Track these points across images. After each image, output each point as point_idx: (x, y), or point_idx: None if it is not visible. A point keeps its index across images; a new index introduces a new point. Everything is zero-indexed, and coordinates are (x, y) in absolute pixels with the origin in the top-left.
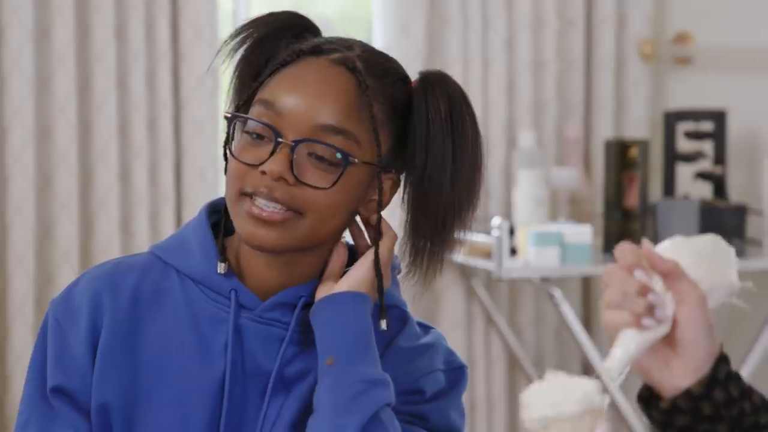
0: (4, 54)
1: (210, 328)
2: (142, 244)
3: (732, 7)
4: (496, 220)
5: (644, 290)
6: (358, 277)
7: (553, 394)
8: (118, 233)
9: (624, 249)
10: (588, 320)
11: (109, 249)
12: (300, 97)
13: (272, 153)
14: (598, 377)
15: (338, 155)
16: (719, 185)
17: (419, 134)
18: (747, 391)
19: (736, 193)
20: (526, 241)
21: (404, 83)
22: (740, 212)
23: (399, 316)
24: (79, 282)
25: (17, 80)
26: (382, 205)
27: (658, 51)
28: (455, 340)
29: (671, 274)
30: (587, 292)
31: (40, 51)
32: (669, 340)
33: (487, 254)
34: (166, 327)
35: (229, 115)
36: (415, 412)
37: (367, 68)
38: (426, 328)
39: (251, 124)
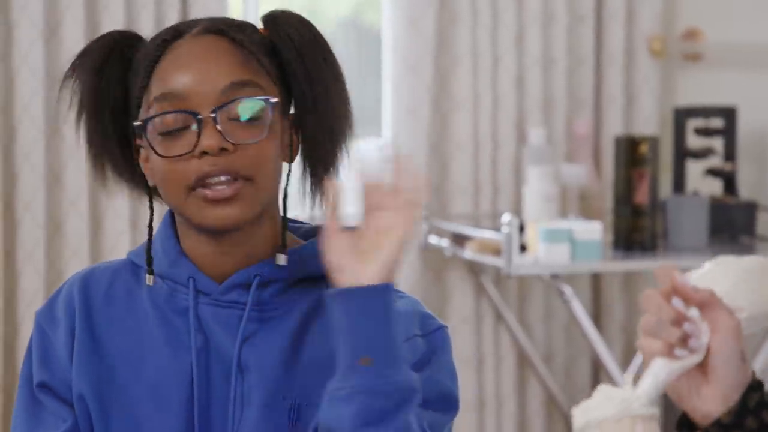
0: (14, 51)
1: (177, 318)
2: None
3: (742, 3)
4: (505, 217)
5: (680, 319)
6: (391, 261)
7: (594, 401)
8: (128, 230)
9: (664, 273)
10: (598, 317)
11: (118, 246)
12: (193, 74)
13: (199, 133)
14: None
15: (260, 104)
16: (729, 182)
17: (298, 66)
18: None
19: (746, 190)
20: (535, 238)
21: (256, 30)
22: (750, 209)
23: None
24: (62, 289)
25: (27, 77)
26: (300, 142)
27: (667, 47)
28: (464, 337)
29: (706, 304)
30: (597, 288)
31: (50, 48)
32: (702, 368)
33: (496, 251)
34: (138, 324)
35: (140, 122)
36: None
37: (228, 27)
38: (396, 293)
39: (165, 121)
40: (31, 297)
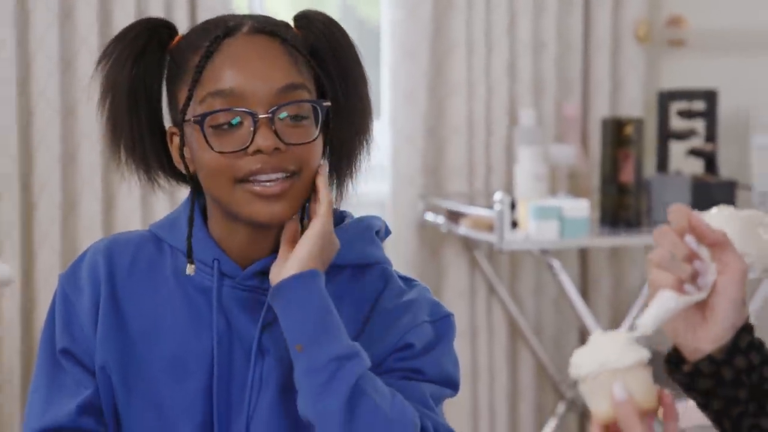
0: (30, 36)
1: (199, 296)
2: None
3: None
4: (497, 195)
5: (691, 257)
6: (304, 253)
7: (582, 354)
8: (139, 209)
9: (678, 211)
10: (585, 290)
11: (130, 224)
12: (249, 74)
13: (254, 132)
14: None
15: (314, 107)
16: (710, 161)
17: (334, 67)
18: None
19: (726, 169)
20: (526, 215)
21: (291, 28)
22: (730, 187)
23: (380, 274)
24: (85, 256)
25: (42, 61)
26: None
27: (652, 33)
28: (459, 310)
29: (719, 244)
30: (585, 263)
31: (64, 32)
32: (701, 305)
33: (489, 227)
34: (160, 297)
35: (198, 116)
36: (408, 367)
37: (278, 28)
38: (409, 282)
39: (218, 116)
40: (47, 275)
